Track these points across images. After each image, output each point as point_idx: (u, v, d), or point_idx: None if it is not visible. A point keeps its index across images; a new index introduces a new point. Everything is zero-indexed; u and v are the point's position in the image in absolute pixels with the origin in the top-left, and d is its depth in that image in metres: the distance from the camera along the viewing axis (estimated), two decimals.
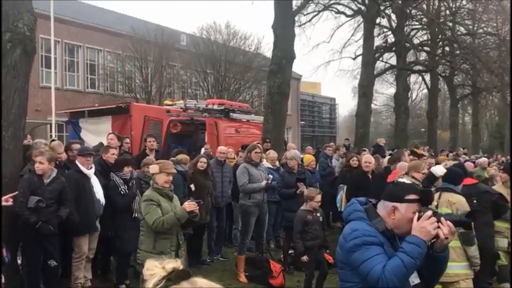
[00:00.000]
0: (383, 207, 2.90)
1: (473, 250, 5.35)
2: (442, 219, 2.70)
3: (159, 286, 1.24)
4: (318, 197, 7.15)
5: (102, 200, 6.84)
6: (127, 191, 6.98)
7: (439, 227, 2.69)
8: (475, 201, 5.85)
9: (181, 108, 14.51)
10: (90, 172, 6.78)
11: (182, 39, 34.09)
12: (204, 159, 8.62)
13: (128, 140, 10.69)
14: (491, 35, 31.10)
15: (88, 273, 6.91)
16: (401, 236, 2.89)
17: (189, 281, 1.25)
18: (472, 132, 43.28)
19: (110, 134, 9.12)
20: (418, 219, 2.72)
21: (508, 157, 27.08)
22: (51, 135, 17.34)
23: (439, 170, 5.04)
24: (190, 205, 5.32)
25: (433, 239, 2.73)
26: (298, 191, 8.23)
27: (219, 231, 9.35)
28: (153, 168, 5.56)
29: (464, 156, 15.15)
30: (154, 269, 1.28)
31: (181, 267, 1.29)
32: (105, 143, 8.82)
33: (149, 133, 10.48)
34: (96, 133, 13.13)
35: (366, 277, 2.72)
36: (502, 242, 6.66)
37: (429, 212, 2.72)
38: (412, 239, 2.67)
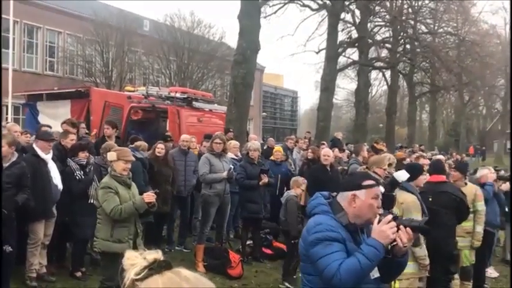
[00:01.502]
0: (343, 198, 2.93)
1: (419, 251, 5.43)
2: (402, 227, 2.73)
3: (141, 275, 1.21)
4: (304, 185, 7.51)
5: (60, 186, 6.70)
6: (83, 177, 6.85)
7: (398, 232, 2.72)
8: (430, 199, 5.98)
9: (142, 94, 14.28)
10: (48, 157, 6.61)
11: (145, 25, 33.60)
12: (161, 146, 8.52)
13: (84, 125, 10.44)
14: (451, 35, 31.86)
15: (43, 260, 6.78)
16: (363, 227, 2.95)
17: (172, 270, 1.22)
18: (429, 129, 44.31)
19: (63, 123, 8.78)
20: (378, 222, 2.75)
21: (463, 155, 27.88)
22: (6, 118, 16.84)
23: (402, 176, 5.12)
24: (148, 196, 5.26)
25: (393, 243, 2.77)
26: (261, 183, 8.26)
27: (183, 221, 9.28)
28: (111, 156, 5.47)
29: (420, 152, 15.44)
30: (135, 259, 1.26)
31: (162, 258, 1.27)
32: (61, 129, 8.57)
33: (108, 119, 10.28)
34: (54, 117, 12.79)
35: (321, 272, 2.75)
36: (463, 241, 6.84)
37: (389, 216, 2.75)
38: (371, 241, 2.70)
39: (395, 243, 2.74)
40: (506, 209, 9.33)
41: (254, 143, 9.58)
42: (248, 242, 8.81)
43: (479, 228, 6.92)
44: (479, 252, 7.88)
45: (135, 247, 5.50)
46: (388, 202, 5.05)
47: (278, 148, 10.59)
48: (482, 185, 8.10)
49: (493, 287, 8.33)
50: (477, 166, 10.06)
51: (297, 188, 7.59)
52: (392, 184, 5.15)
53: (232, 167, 8.07)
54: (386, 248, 2.74)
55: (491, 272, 8.91)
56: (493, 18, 44.33)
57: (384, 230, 2.69)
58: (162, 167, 8.37)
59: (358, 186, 2.90)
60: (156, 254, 1.28)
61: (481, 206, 6.98)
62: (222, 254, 7.93)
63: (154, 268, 1.22)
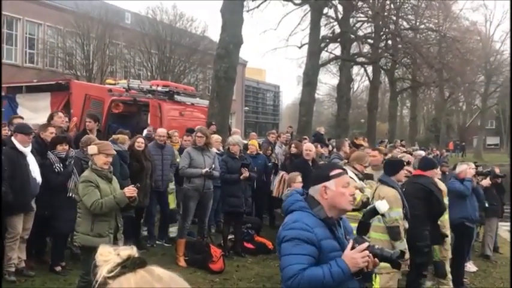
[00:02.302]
0: (315, 192, 2.94)
1: (399, 245, 5.47)
2: (371, 255, 2.75)
3: (113, 273, 1.16)
4: (299, 178, 7.25)
5: (39, 179, 6.61)
6: (62, 170, 6.78)
7: (368, 257, 2.75)
8: (404, 189, 6.07)
9: (124, 88, 14.16)
10: (27, 150, 6.52)
11: (127, 18, 33.32)
12: (141, 140, 8.46)
13: (66, 119, 10.31)
14: (432, 31, 32.09)
15: (22, 254, 6.69)
16: (340, 219, 2.97)
17: (146, 269, 1.18)
18: (410, 125, 44.65)
19: (56, 113, 8.65)
20: (352, 248, 2.75)
21: (443, 150, 28.18)
22: None
23: (383, 207, 5.17)
24: (130, 190, 5.22)
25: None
26: (241, 177, 8.25)
27: (163, 216, 9.24)
28: (92, 149, 5.41)
29: (401, 148, 15.57)
30: (109, 255, 1.20)
31: (136, 254, 1.22)
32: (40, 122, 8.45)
33: (89, 112, 10.17)
34: (34, 110, 12.62)
35: (283, 269, 2.77)
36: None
37: (364, 245, 2.76)
38: (341, 263, 2.70)
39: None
40: (487, 205, 9.47)
41: (234, 137, 9.57)
42: (230, 237, 8.82)
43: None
44: (458, 246, 8.01)
45: (115, 241, 5.46)
46: (364, 229, 5.12)
47: (253, 142, 10.63)
48: (461, 181, 8.20)
49: (472, 282, 8.44)
50: (457, 161, 10.16)
51: (294, 183, 7.38)
52: (371, 213, 5.20)
53: (213, 166, 8.00)
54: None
55: (470, 266, 9.04)
56: (473, 15, 45.34)
57: (355, 258, 2.71)
58: (142, 160, 8.30)
59: (327, 177, 2.92)
60: (130, 251, 1.23)
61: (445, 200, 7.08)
62: (203, 249, 7.90)
63: (128, 266, 1.18)
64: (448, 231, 7.03)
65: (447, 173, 11.48)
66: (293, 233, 2.77)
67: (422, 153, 13.61)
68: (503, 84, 57.18)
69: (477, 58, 40.63)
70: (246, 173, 8.26)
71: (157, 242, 9.03)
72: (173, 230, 9.02)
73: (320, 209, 2.87)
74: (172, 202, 9.16)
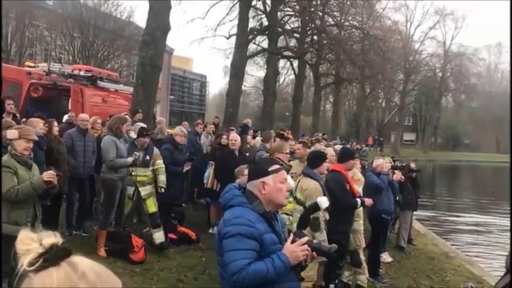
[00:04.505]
0: (253, 187, 2.96)
1: (319, 235, 5.63)
2: (309, 249, 2.84)
3: (35, 266, 1.08)
4: (247, 171, 7.20)
5: None
6: None
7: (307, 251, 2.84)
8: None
9: (44, 71, 13.61)
10: None
11: None
12: (55, 123, 8.19)
13: None
14: (356, 29, 33.03)
15: None
16: (276, 213, 3.04)
17: (70, 263, 1.10)
18: (332, 119, 45.82)
19: None
20: (292, 242, 2.83)
21: (363, 145, 29.15)
22: None
23: (324, 203, 5.27)
24: (48, 174, 5.01)
25: None
26: (184, 170, 8.20)
27: (82, 204, 8.93)
28: (12, 134, 5.15)
29: (324, 141, 15.95)
30: (30, 243, 1.12)
31: (60, 242, 1.14)
32: None
33: (7, 95, 9.70)
34: None
35: (227, 265, 2.78)
36: (358, 225, 7.15)
37: (304, 239, 2.85)
38: (282, 257, 2.77)
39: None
40: (398, 198, 9.90)
41: (181, 128, 9.43)
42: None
43: None
44: (374, 237, 8.33)
45: (33, 230, 5.23)
46: (304, 224, 5.21)
47: (174, 131, 10.59)
48: (378, 174, 8.52)
49: (387, 272, 8.79)
50: (375, 156, 10.54)
51: (242, 176, 7.28)
52: (313, 208, 5.27)
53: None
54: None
55: (385, 257, 9.41)
56: (395, 15, 46.85)
57: (295, 251, 2.78)
58: (58, 146, 7.99)
59: (265, 173, 2.95)
60: (54, 239, 1.15)
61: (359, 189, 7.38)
62: (124, 239, 7.75)
63: (51, 258, 1.10)
64: (361, 222, 7.27)
65: (366, 166, 11.90)
66: (236, 229, 2.78)
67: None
68: (421, 83, 60.07)
69: (397, 57, 42.34)
70: (188, 167, 8.24)
71: (74, 232, 8.70)
72: (159, 236, 8.15)
73: (258, 203, 2.91)
74: (152, 206, 8.22)
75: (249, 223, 2.79)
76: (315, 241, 2.99)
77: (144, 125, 9.40)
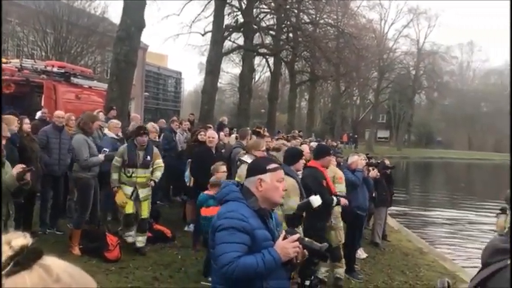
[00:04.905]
0: (250, 183, 3.02)
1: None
2: (301, 247, 2.89)
3: (5, 271, 1.01)
4: (223, 168, 7.24)
5: None
6: None
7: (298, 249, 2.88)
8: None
9: (16, 67, 13.36)
10: None
11: None
12: (27, 121, 8.05)
13: None
14: (331, 26, 33.25)
15: None
16: (272, 211, 3.09)
17: (42, 264, 1.04)
18: (307, 116, 46.06)
19: None
20: (284, 239, 2.87)
21: (338, 142, 29.37)
22: None
23: (316, 202, 5.28)
24: (17, 168, 4.91)
25: None
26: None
27: (55, 202, 8.79)
28: None
29: (299, 138, 16.01)
30: None
31: (30, 243, 1.06)
32: None
33: None
34: None
35: (217, 257, 2.82)
36: (338, 221, 7.20)
37: (295, 236, 2.89)
38: (273, 253, 2.81)
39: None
40: (374, 195, 10.00)
41: (153, 124, 9.37)
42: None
43: None
44: (350, 234, 8.39)
45: (5, 229, 5.15)
46: (295, 221, 5.22)
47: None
48: (353, 171, 8.60)
49: (362, 268, 8.87)
50: (350, 153, 10.62)
51: (217, 173, 7.25)
52: (305, 207, 5.28)
53: (107, 150, 7.78)
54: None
55: (360, 253, 9.49)
56: (370, 13, 47.13)
57: (286, 248, 2.83)
58: (31, 143, 7.87)
59: (263, 170, 3.01)
60: (23, 240, 1.07)
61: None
62: (99, 237, 7.67)
63: (21, 260, 1.03)
64: (340, 218, 7.33)
65: (341, 163, 11.98)
66: (229, 222, 2.83)
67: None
68: (395, 81, 60.75)
69: (372, 55, 42.73)
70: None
71: (48, 230, 8.58)
72: (142, 240, 7.98)
73: (254, 200, 2.96)
74: (146, 211, 7.96)
75: (242, 217, 2.84)
76: (306, 239, 3.03)
77: (141, 124, 9.32)
